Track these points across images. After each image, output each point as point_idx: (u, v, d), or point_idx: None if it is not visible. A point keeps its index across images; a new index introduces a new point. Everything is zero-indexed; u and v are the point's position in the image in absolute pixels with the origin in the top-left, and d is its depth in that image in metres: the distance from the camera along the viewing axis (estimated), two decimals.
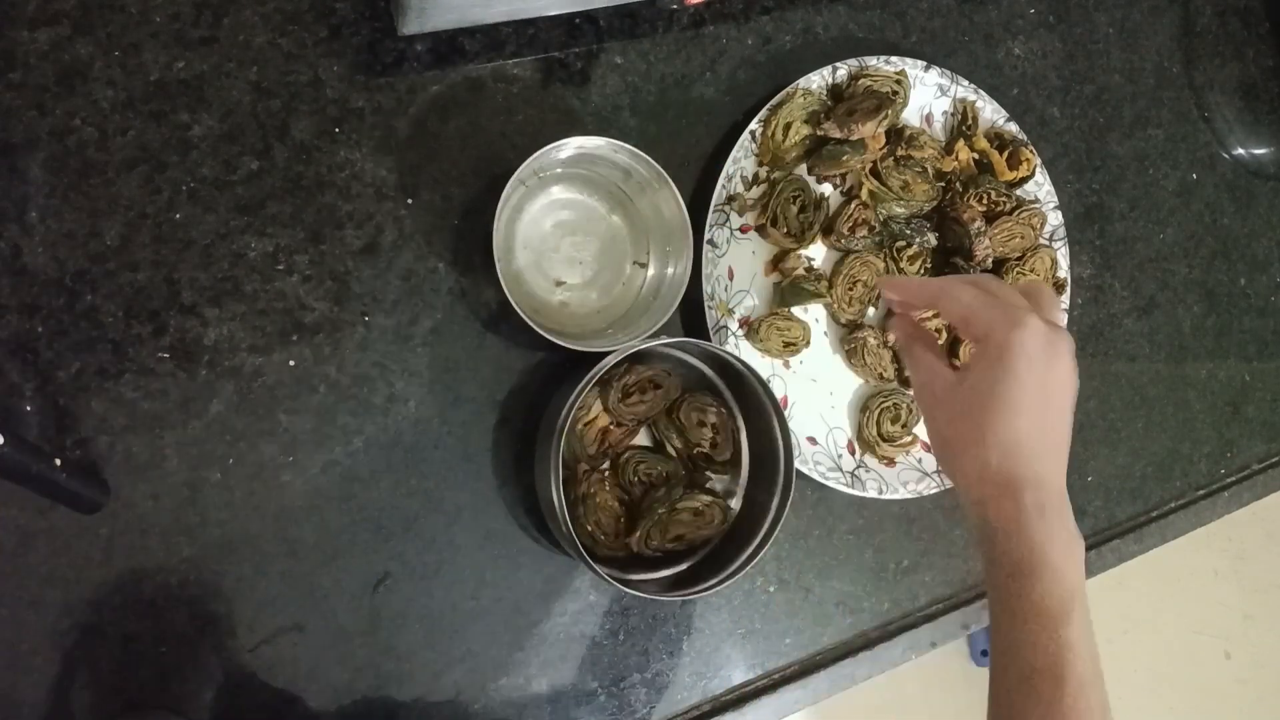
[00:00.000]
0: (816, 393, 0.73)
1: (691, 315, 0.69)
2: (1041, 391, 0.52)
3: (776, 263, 0.72)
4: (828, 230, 0.73)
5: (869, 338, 0.73)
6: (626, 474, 0.65)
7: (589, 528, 0.64)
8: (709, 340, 0.67)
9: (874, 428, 0.73)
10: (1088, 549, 0.86)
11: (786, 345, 0.71)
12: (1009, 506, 0.51)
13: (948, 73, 0.76)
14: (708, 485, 0.68)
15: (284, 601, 0.59)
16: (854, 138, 0.71)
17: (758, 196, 0.71)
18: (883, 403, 0.73)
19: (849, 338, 0.73)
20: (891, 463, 0.74)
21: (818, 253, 0.74)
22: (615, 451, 0.66)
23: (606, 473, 0.65)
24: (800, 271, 0.72)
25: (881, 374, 0.74)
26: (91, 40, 0.57)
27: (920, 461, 0.75)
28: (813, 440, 0.72)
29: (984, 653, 2.13)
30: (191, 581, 0.57)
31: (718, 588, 0.63)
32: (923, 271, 0.75)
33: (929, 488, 0.74)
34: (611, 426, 0.65)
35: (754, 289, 0.72)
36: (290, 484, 0.60)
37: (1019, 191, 0.78)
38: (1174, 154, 0.92)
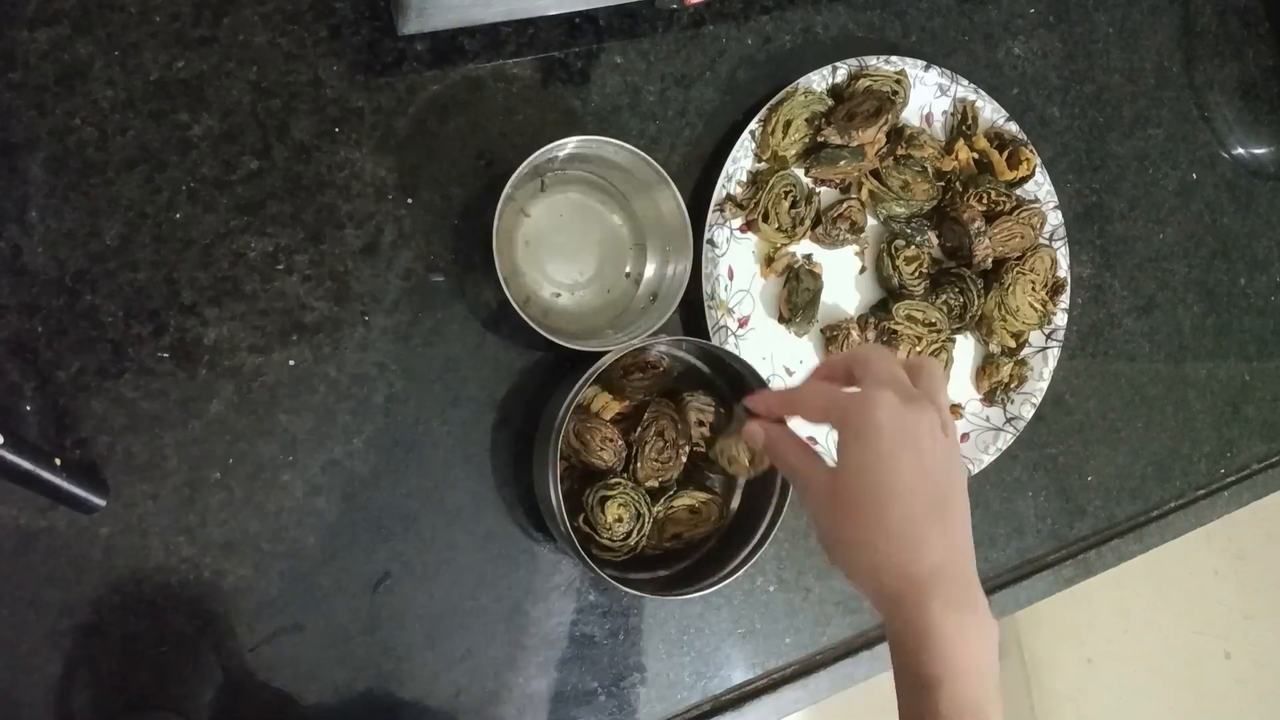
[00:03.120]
0: None
1: (691, 315, 0.69)
2: (919, 469, 0.47)
3: (769, 262, 0.72)
4: (816, 224, 0.73)
5: (851, 329, 0.73)
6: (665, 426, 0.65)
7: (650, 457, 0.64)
8: (709, 340, 0.67)
9: None
10: (1087, 549, 0.86)
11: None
12: (910, 611, 0.47)
13: (948, 72, 0.76)
14: (706, 484, 0.68)
15: (284, 601, 0.59)
16: (854, 144, 0.71)
17: (750, 195, 0.71)
18: None
19: (830, 326, 0.73)
20: None
21: (808, 248, 0.74)
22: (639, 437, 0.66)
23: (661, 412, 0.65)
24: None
25: None
26: (91, 40, 0.57)
27: None
28: (813, 440, 0.72)
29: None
30: (191, 581, 0.57)
31: (717, 587, 0.63)
32: (918, 274, 0.75)
33: None
34: (623, 408, 0.65)
35: (754, 289, 0.72)
36: (290, 484, 0.60)
37: (1019, 191, 0.78)
38: (1174, 154, 0.92)
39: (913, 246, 0.74)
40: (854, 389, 0.50)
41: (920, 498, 0.47)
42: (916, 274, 0.74)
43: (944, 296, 0.75)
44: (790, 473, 0.53)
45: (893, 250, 0.74)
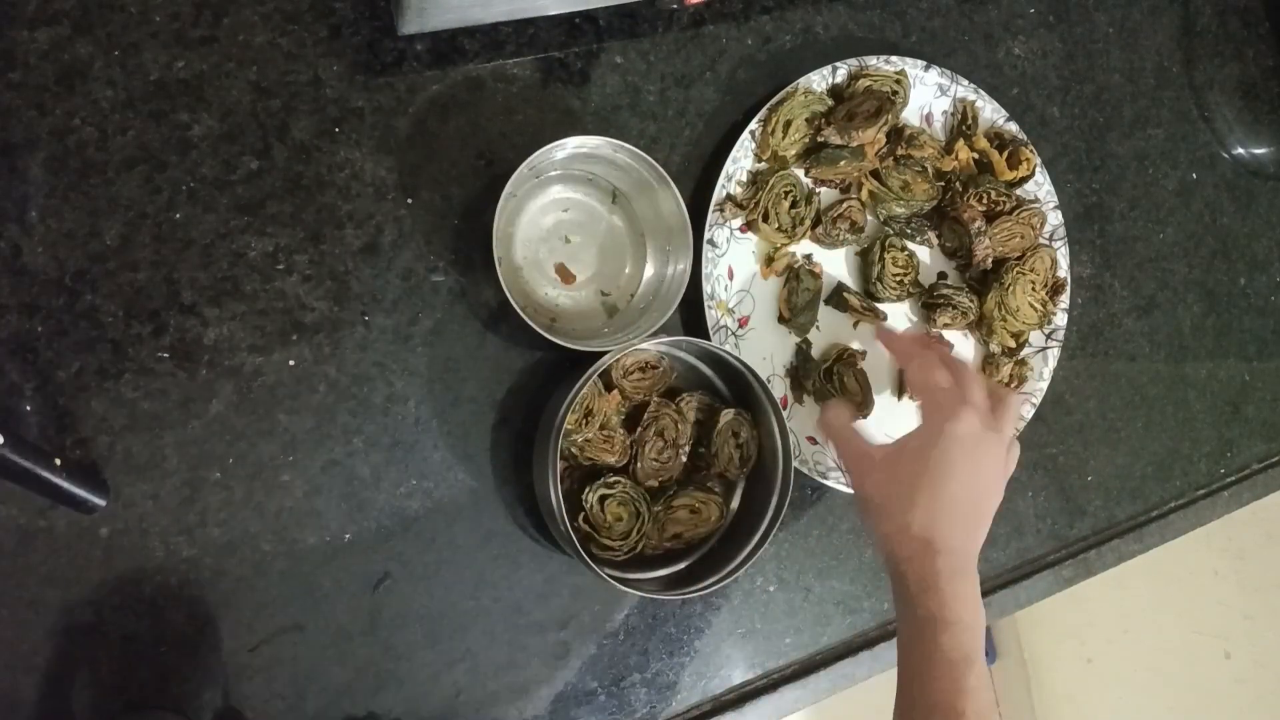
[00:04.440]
0: None
1: (691, 315, 0.69)
2: (971, 474, 0.60)
3: (769, 262, 0.72)
4: (816, 224, 0.73)
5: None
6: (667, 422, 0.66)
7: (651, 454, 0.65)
8: (709, 340, 0.67)
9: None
10: (1087, 549, 0.86)
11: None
12: (927, 564, 0.58)
13: (948, 72, 0.76)
14: (707, 484, 0.68)
15: (284, 601, 0.59)
16: (854, 144, 0.71)
17: (750, 195, 0.70)
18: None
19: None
20: None
21: (808, 248, 0.74)
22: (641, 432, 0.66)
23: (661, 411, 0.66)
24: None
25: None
26: (91, 40, 0.57)
27: None
28: (812, 440, 0.72)
29: (984, 652, 2.13)
30: (191, 581, 0.57)
31: (717, 587, 0.63)
32: (911, 273, 0.75)
33: None
34: (622, 402, 0.65)
35: (754, 289, 0.72)
36: (290, 484, 0.60)
37: (1019, 191, 0.78)
38: (1174, 154, 0.92)
39: (906, 253, 0.74)
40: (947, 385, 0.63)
41: (963, 497, 0.60)
42: (898, 280, 0.74)
43: (942, 319, 0.75)
44: (854, 437, 0.66)
45: (886, 245, 0.74)
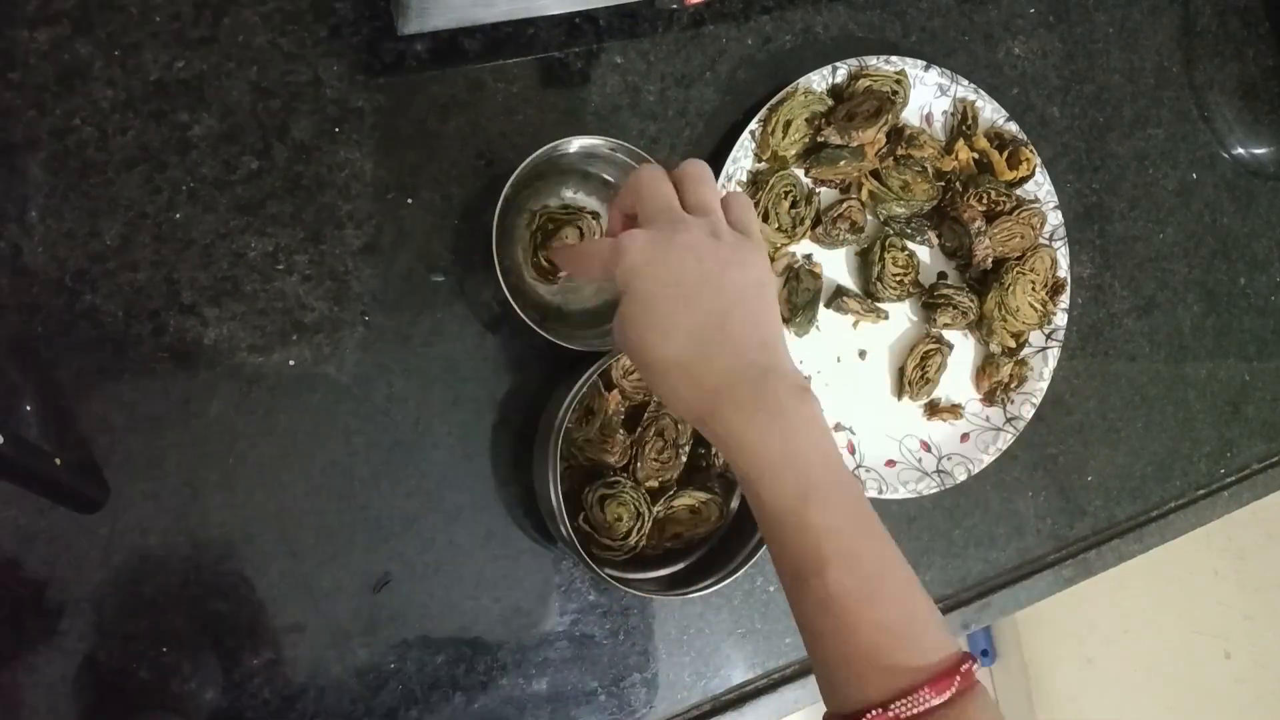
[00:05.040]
0: (816, 391, 0.73)
1: None
2: (680, 298, 0.49)
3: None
4: (816, 224, 0.73)
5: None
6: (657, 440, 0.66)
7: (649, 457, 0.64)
8: None
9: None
10: (1087, 549, 0.86)
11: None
12: (712, 424, 0.49)
13: (948, 72, 0.76)
14: (707, 484, 0.68)
15: (284, 601, 0.59)
16: (854, 144, 0.71)
17: (750, 195, 0.70)
18: None
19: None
20: (891, 463, 0.74)
21: (808, 248, 0.74)
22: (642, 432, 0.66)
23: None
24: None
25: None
26: (91, 40, 0.57)
27: (920, 461, 0.75)
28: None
29: (984, 652, 2.13)
30: (191, 581, 0.57)
31: (717, 587, 0.63)
32: (912, 273, 0.75)
33: (929, 487, 0.74)
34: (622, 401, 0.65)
35: None
36: (290, 484, 0.60)
37: (1019, 191, 0.78)
38: (1174, 154, 0.92)
39: (906, 253, 0.74)
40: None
41: (689, 324, 0.49)
42: (898, 280, 0.74)
43: (942, 319, 0.75)
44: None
45: (886, 245, 0.74)
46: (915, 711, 0.44)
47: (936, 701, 0.44)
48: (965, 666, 0.45)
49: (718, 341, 0.49)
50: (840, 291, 0.74)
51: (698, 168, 0.54)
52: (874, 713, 0.44)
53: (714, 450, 0.66)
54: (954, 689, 0.44)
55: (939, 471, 0.75)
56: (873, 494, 0.72)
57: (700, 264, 0.49)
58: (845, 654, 0.46)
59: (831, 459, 0.48)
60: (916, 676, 0.44)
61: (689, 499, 0.66)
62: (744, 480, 0.49)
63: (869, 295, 0.75)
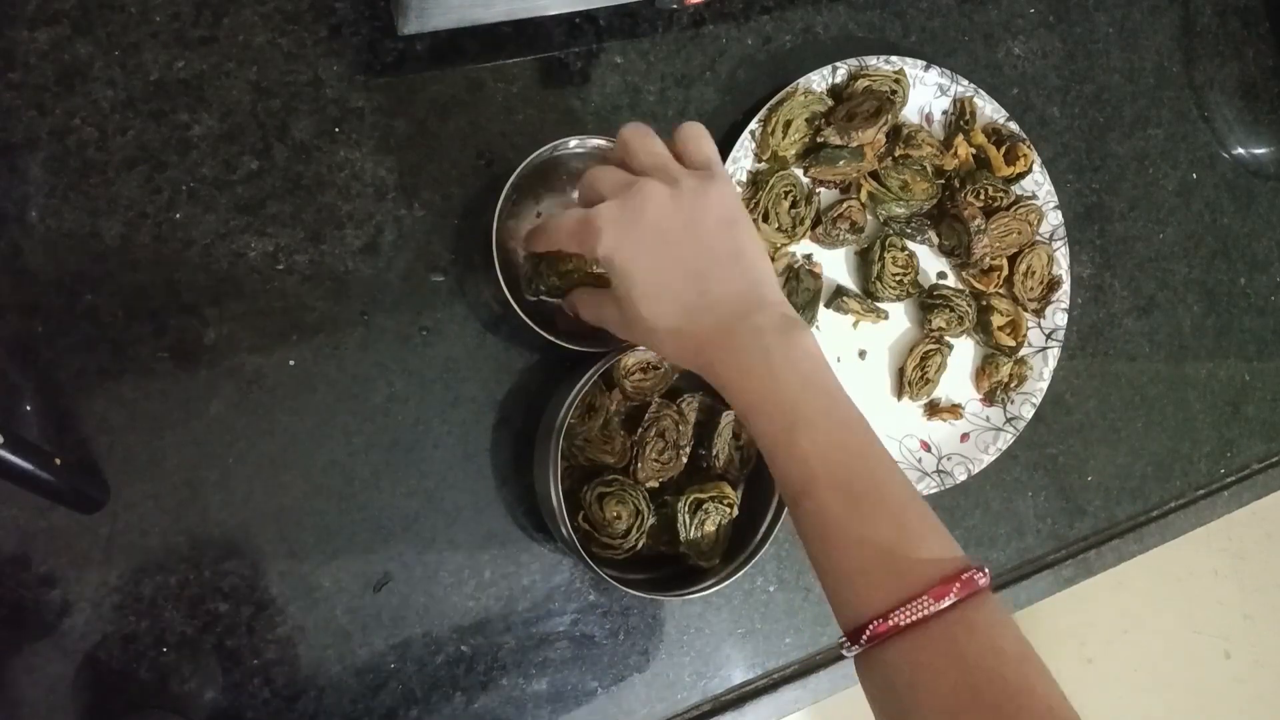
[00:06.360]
0: None
1: None
2: (651, 263, 0.51)
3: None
4: (816, 224, 0.73)
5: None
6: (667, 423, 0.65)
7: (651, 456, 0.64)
8: None
9: None
10: (1087, 549, 0.86)
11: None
12: (707, 374, 0.52)
13: (947, 72, 0.76)
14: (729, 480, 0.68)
15: (284, 601, 0.59)
16: (854, 144, 0.71)
17: (750, 195, 0.71)
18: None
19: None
20: None
21: (807, 248, 0.74)
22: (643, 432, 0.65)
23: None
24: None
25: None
26: (91, 40, 0.57)
27: (920, 461, 0.75)
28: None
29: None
30: (191, 581, 0.58)
31: (717, 587, 0.63)
32: (911, 272, 0.75)
33: (929, 487, 0.74)
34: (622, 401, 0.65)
35: None
36: (290, 484, 0.60)
37: (1016, 187, 0.78)
38: (1174, 154, 0.92)
39: (906, 252, 0.74)
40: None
41: (671, 292, 0.52)
42: (898, 280, 0.74)
43: (938, 320, 0.75)
44: (584, 309, 0.59)
45: (886, 245, 0.74)
46: (915, 618, 0.45)
47: (936, 608, 0.45)
48: (967, 574, 0.47)
49: (701, 306, 0.52)
50: (840, 291, 0.74)
51: (691, 127, 0.56)
52: (876, 622, 0.46)
53: (714, 451, 0.66)
54: (954, 595, 0.45)
55: (939, 471, 0.75)
56: None
57: (666, 230, 0.52)
58: (846, 569, 0.48)
59: (818, 387, 0.50)
60: (915, 585, 0.46)
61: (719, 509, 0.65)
62: (740, 416, 0.52)
63: (869, 295, 0.75)
